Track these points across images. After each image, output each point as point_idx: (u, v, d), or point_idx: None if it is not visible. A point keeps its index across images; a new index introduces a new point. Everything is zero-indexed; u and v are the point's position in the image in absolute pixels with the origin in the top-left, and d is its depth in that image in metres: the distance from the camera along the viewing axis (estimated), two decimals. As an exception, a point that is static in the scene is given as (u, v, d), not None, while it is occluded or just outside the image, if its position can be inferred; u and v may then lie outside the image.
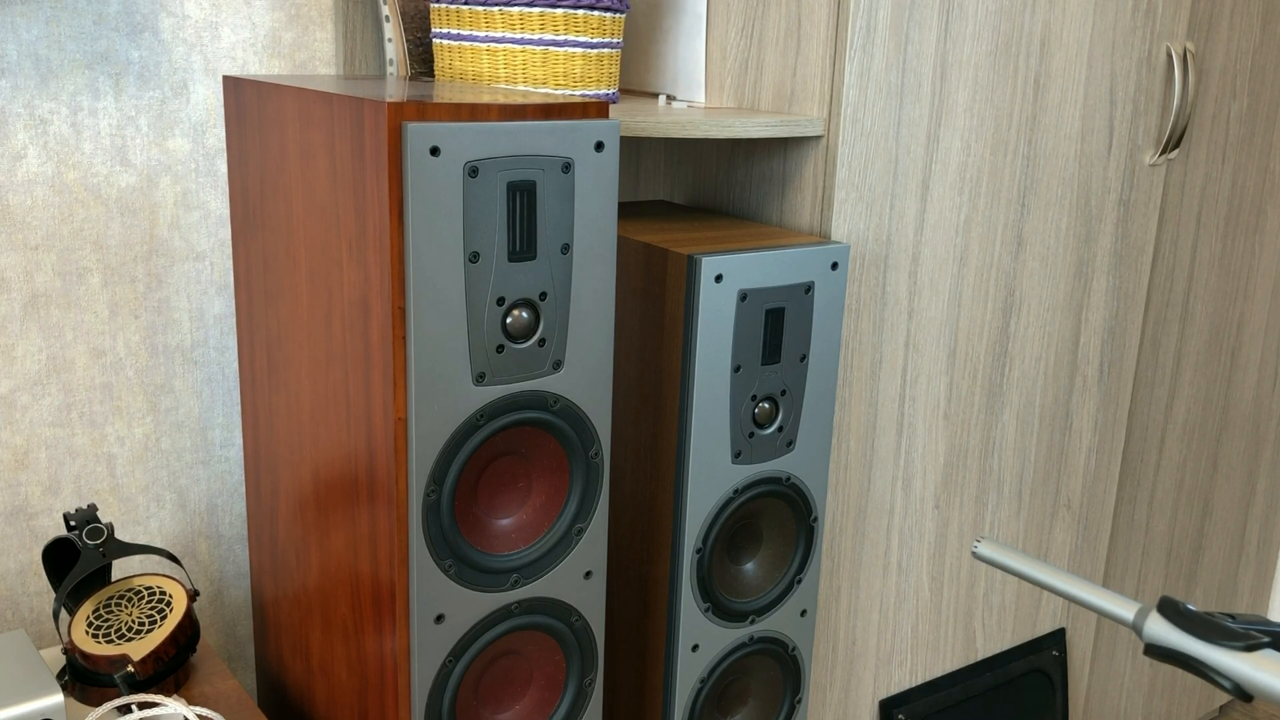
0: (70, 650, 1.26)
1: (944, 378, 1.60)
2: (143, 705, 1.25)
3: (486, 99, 1.06)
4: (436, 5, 1.36)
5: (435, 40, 1.38)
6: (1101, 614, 0.89)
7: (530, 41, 1.30)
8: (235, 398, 1.53)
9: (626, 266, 1.34)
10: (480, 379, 1.07)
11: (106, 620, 1.30)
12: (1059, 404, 1.77)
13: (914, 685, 1.73)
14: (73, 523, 1.31)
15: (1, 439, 1.38)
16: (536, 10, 1.29)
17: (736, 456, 1.31)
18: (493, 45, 1.32)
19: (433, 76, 1.45)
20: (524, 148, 1.04)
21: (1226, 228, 1.98)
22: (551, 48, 1.30)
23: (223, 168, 1.45)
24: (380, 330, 1.04)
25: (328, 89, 1.09)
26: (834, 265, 1.32)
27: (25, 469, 1.40)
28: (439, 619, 1.10)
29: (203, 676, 1.33)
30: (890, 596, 1.64)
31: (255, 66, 1.45)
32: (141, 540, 1.50)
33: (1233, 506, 2.23)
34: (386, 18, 1.43)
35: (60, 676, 1.28)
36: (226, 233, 1.48)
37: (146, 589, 1.34)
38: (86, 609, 1.31)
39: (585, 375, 1.13)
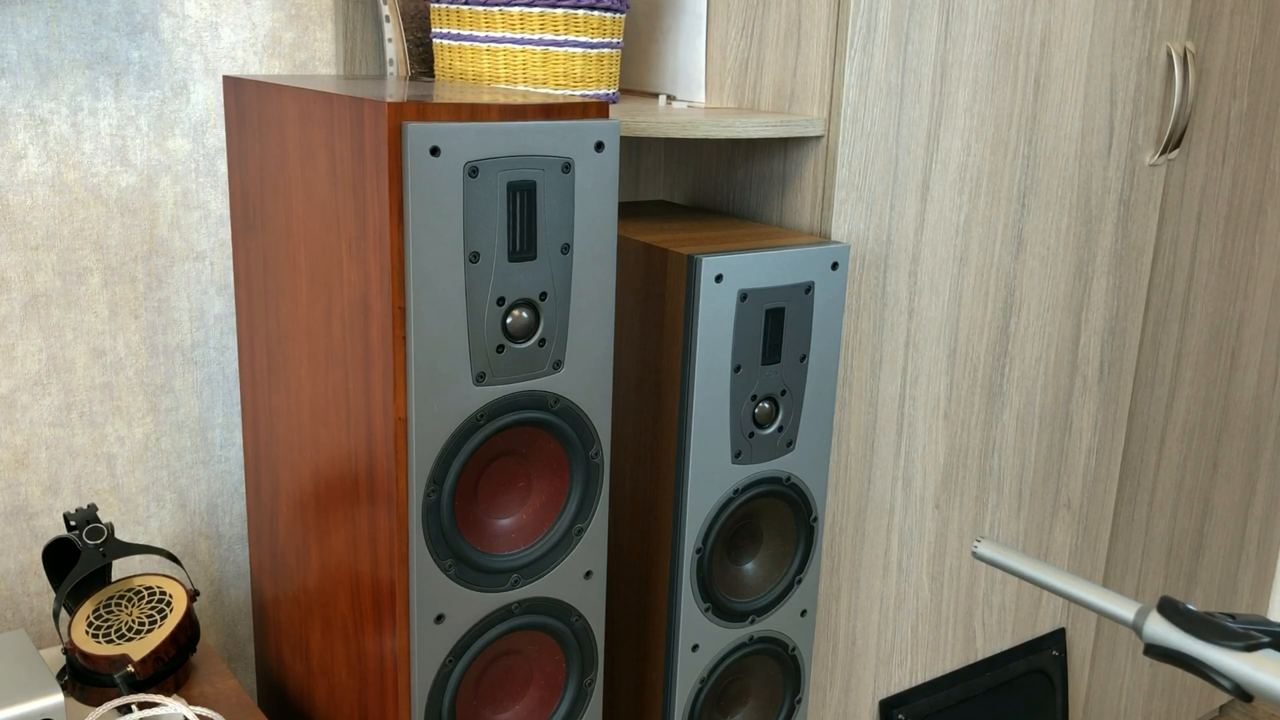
0: (70, 650, 1.26)
1: (944, 378, 1.60)
2: (143, 705, 1.25)
3: (486, 99, 1.06)
4: (436, 5, 1.36)
5: (435, 40, 1.38)
6: (1101, 614, 0.89)
7: (530, 41, 1.30)
8: (235, 398, 1.53)
9: (626, 266, 1.34)
10: (480, 379, 1.07)
11: (106, 620, 1.30)
12: (1059, 404, 1.77)
13: (914, 685, 1.73)
14: (73, 523, 1.31)
15: (1, 439, 1.38)
16: (536, 10, 1.29)
17: (736, 456, 1.31)
18: (493, 45, 1.32)
19: (433, 76, 1.45)
20: (524, 148, 1.04)
21: (1226, 228, 1.97)
22: (551, 48, 1.30)
23: (223, 168, 1.45)
24: (380, 330, 1.04)
25: (328, 89, 1.09)
26: (834, 265, 1.32)
27: (25, 469, 1.40)
28: (439, 619, 1.10)
29: (203, 676, 1.33)
30: (890, 596, 1.64)
31: (255, 66, 1.45)
32: (141, 540, 1.50)
33: (1233, 506, 2.23)
34: (386, 18, 1.43)
35: (60, 676, 1.28)
36: (226, 233, 1.48)
37: (146, 589, 1.34)
38: (86, 609, 1.31)
39: (585, 375, 1.13)
